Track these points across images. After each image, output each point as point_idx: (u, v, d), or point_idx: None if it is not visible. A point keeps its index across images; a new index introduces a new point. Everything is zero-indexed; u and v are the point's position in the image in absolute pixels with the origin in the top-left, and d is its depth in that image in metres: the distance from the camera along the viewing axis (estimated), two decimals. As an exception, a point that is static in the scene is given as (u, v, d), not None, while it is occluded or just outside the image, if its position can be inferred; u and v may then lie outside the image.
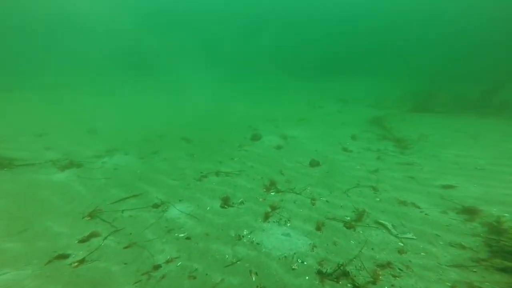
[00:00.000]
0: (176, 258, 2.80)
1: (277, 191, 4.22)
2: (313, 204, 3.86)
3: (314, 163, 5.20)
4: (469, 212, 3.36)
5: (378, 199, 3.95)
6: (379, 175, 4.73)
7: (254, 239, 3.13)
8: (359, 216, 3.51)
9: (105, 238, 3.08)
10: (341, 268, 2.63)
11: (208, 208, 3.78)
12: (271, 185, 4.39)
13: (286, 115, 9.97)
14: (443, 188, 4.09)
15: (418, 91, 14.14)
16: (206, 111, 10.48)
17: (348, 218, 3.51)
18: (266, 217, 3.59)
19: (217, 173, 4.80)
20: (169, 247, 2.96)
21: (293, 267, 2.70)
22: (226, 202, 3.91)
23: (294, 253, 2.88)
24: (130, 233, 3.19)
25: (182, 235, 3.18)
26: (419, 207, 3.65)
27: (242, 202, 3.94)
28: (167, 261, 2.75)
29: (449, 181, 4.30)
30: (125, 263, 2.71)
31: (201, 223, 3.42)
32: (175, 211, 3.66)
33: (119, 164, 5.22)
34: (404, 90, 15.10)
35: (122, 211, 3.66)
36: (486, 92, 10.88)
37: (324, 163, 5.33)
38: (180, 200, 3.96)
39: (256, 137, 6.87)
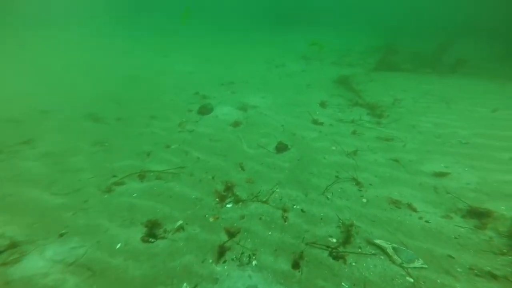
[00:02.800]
0: None
1: (236, 201, 2.92)
2: (286, 219, 2.72)
3: (281, 147, 3.95)
4: (476, 215, 2.63)
5: (364, 200, 3.00)
6: (359, 159, 3.75)
7: (200, 307, 1.90)
8: (347, 235, 2.51)
9: None
10: None
11: (118, 245, 2.33)
12: (227, 190, 3.06)
13: (244, 77, 8.15)
14: (434, 176, 3.32)
15: (378, 46, 13.41)
16: (133, 72, 7.94)
17: (334, 239, 2.49)
18: (221, 252, 2.34)
19: (141, 176, 3.19)
20: None
21: None
22: (152, 230, 2.49)
23: (265, 332, 1.77)
24: None
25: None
26: (415, 210, 2.81)
27: (181, 227, 2.57)
28: None
29: (437, 164, 3.54)
30: None
31: (99, 280, 2.00)
32: (39, 263, 2.11)
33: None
34: (364, 45, 14.23)
35: None
36: (437, 49, 10.56)
37: (293, 145, 4.11)
38: (61, 235, 2.38)
39: (205, 110, 5.17)
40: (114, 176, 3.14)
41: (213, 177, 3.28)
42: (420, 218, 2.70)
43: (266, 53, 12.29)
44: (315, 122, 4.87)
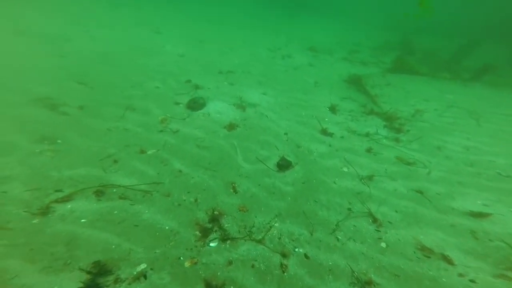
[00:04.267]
0: None
1: (223, 238, 2.35)
2: (285, 269, 2.17)
3: (284, 164, 3.36)
4: (530, 284, 2.14)
5: (384, 245, 2.47)
6: (375, 187, 3.21)
7: None
8: (365, 300, 1.99)
9: None
10: None
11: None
12: (213, 221, 2.48)
13: (245, 66, 7.42)
14: (470, 216, 2.81)
15: (391, 43, 12.83)
16: (112, 48, 7.05)
17: (347, 307, 1.97)
18: (195, 318, 1.80)
19: (99, 192, 2.55)
20: None
21: None
22: (97, 278, 1.89)
23: None
24: None
25: None
26: (452, 263, 2.30)
27: (142, 275, 1.99)
28: None
29: (473, 201, 3.04)
30: None
31: None
32: None
33: None
34: (374, 40, 13.61)
35: None
36: (458, 52, 9.98)
37: (298, 161, 3.53)
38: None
39: (196, 104, 4.50)
40: (58, 190, 2.49)
41: (195, 200, 2.69)
42: (461, 275, 2.20)
43: (271, 40, 11.48)
44: (324, 132, 4.28)
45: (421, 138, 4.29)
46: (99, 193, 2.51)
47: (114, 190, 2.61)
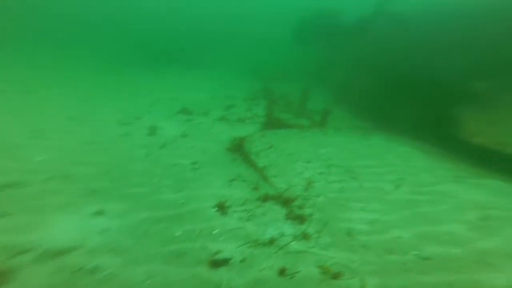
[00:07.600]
0: None
1: None
2: None
3: None
4: None
5: None
6: None
7: None
8: None
9: None
10: None
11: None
12: None
13: (63, 161, 5.36)
14: None
15: (257, 90, 13.88)
16: None
17: None
18: None
19: None
20: None
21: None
22: None
23: None
24: None
25: None
26: None
27: None
28: None
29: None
30: None
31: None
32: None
33: None
34: (244, 89, 14.48)
35: None
36: (302, 96, 10.64)
37: None
38: None
39: None
40: None
41: None
42: None
43: (126, 105, 9.90)
44: (214, 263, 3.10)
45: (327, 223, 3.95)
46: None
47: None
